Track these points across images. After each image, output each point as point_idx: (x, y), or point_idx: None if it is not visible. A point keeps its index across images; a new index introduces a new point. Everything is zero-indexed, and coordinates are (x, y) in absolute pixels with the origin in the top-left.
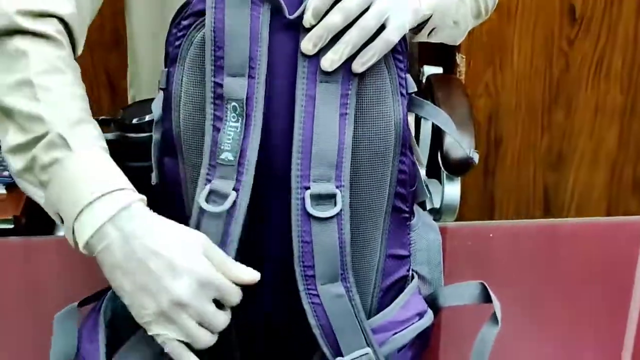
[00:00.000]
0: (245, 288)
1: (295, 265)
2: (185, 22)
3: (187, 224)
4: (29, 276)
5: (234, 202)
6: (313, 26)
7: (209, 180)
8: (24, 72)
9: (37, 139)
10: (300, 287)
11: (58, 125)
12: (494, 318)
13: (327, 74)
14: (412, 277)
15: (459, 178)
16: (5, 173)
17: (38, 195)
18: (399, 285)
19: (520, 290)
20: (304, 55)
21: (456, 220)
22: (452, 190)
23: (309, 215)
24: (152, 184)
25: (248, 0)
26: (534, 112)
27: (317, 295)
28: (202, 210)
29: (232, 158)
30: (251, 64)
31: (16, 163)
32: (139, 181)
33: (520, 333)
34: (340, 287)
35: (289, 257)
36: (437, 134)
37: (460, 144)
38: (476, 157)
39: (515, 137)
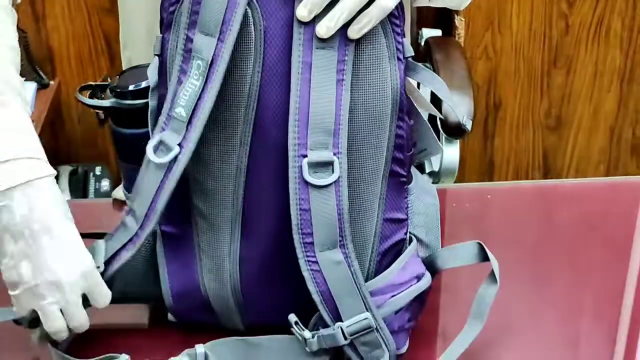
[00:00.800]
0: (243, 255)
1: (293, 233)
2: None
3: (190, 194)
4: None
5: (175, 157)
6: None
7: (163, 130)
8: None
9: None
10: (299, 255)
11: None
12: (492, 277)
13: (323, 40)
14: (410, 240)
15: (458, 141)
16: None
17: None
18: (397, 249)
19: (519, 250)
20: (300, 22)
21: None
22: (451, 152)
23: (307, 183)
24: None
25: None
26: (533, 74)
27: (317, 262)
28: (147, 159)
29: (184, 114)
30: (223, 27)
31: None
32: (137, 148)
33: (519, 292)
34: (339, 253)
35: (286, 226)
36: (436, 96)
37: (454, 110)
38: (469, 125)
39: (514, 100)
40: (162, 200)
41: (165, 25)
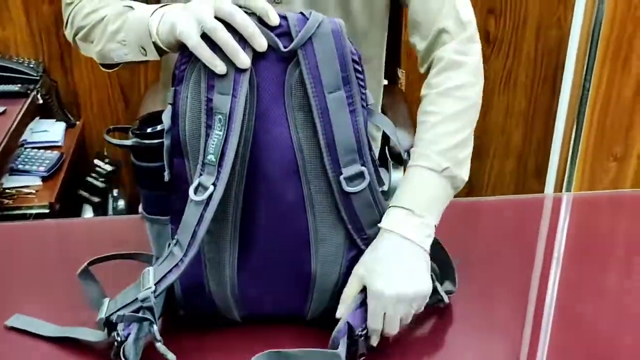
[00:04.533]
0: (240, 264)
1: (349, 226)
2: (189, 50)
3: None
4: (62, 251)
5: (211, 194)
6: None
7: (200, 175)
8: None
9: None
10: (360, 242)
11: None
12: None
13: (332, 86)
14: None
15: (402, 167)
16: (42, 168)
17: (122, 52)
18: None
19: (452, 251)
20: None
21: None
22: (398, 176)
23: (348, 193)
24: (165, 180)
25: (237, 38)
26: None
27: (367, 238)
28: (190, 199)
29: (214, 160)
30: (235, 85)
31: (113, 28)
32: (154, 179)
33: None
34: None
35: (275, 242)
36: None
37: (398, 145)
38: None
39: None
40: (202, 230)
41: (177, 80)
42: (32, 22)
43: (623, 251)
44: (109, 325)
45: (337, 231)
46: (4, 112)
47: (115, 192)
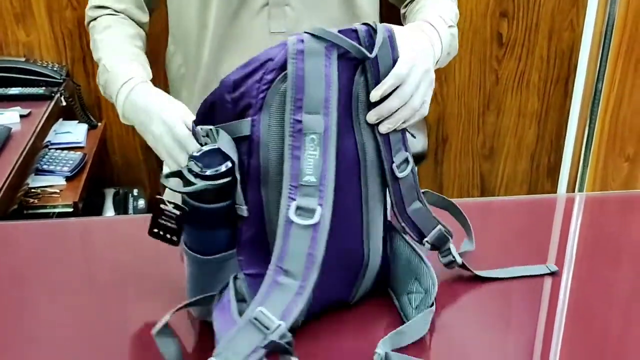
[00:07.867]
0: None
1: (393, 206)
2: (268, 77)
3: (268, 241)
4: (84, 249)
5: (321, 215)
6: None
7: (292, 199)
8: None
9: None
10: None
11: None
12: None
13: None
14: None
15: (416, 167)
16: (65, 168)
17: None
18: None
19: (464, 252)
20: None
21: None
22: None
23: (397, 179)
24: (244, 215)
25: (322, 52)
26: (471, 115)
27: (408, 216)
28: (289, 222)
29: (314, 180)
30: (325, 104)
31: (102, 80)
32: (223, 218)
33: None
34: (418, 203)
35: (335, 237)
36: None
37: (413, 136)
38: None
39: (457, 135)
40: (320, 252)
41: (257, 108)
42: (55, 28)
43: (636, 252)
44: None
45: (382, 218)
46: (29, 114)
47: (135, 192)
